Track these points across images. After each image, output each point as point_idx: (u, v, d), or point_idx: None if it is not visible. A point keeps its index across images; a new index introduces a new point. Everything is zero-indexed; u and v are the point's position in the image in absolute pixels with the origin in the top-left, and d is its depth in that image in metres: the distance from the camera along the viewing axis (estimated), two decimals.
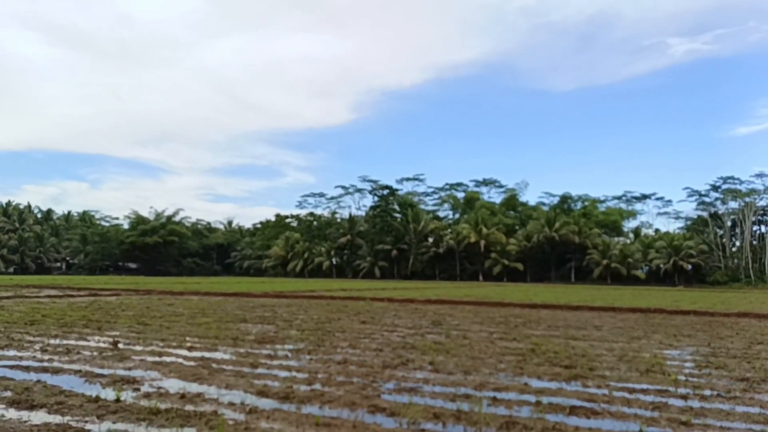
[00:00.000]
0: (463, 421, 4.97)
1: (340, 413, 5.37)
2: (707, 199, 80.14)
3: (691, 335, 12.55)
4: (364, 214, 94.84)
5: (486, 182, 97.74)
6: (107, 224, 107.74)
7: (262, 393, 6.12)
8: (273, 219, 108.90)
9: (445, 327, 13.58)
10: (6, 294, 25.71)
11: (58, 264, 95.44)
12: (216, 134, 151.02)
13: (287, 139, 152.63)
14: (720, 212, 78.91)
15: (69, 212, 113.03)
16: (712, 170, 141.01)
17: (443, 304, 22.77)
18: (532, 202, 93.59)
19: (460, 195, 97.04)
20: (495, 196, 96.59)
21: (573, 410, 5.36)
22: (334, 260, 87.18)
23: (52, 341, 10.16)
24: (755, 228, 76.12)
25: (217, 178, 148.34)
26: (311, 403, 5.73)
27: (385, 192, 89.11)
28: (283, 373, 7.32)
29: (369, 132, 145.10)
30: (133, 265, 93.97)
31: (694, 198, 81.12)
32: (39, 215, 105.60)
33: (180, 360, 8.31)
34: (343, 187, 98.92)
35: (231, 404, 5.65)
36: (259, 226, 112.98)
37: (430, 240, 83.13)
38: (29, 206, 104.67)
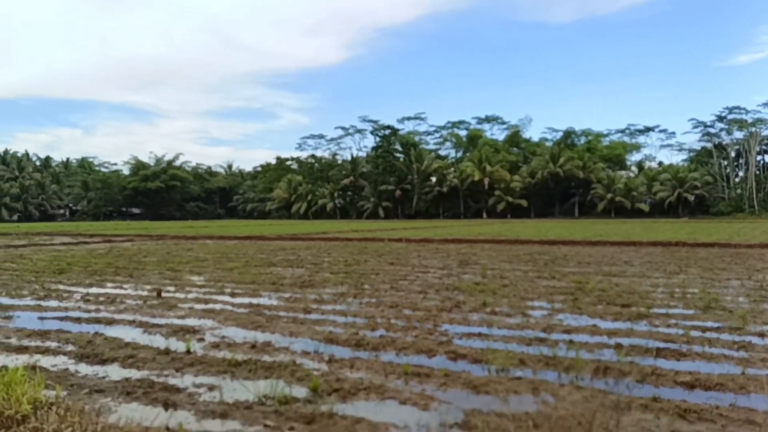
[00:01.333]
0: (552, 366, 4.85)
1: (420, 360, 5.26)
2: (712, 130, 79.29)
3: (725, 268, 12.48)
4: (365, 155, 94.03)
5: (488, 119, 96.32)
6: (106, 170, 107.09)
7: (331, 340, 6.00)
8: (273, 162, 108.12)
9: (477, 267, 13.50)
10: (20, 242, 25.65)
11: (62, 211, 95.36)
12: (207, 76, 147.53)
13: (280, 79, 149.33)
14: (724, 143, 78.17)
15: (68, 159, 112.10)
16: (714, 101, 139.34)
17: (461, 243, 22.72)
18: (535, 138, 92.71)
19: (463, 133, 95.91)
20: (498, 133, 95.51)
21: (659, 352, 5.24)
22: (337, 202, 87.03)
23: (91, 290, 10.04)
24: (759, 158, 75.60)
25: (212, 121, 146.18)
26: (386, 350, 5.61)
27: (387, 132, 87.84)
28: (341, 319, 7.21)
29: (364, 71, 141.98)
30: (136, 211, 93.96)
31: (699, 129, 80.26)
32: (38, 163, 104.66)
33: (229, 307, 8.20)
34: (343, 128, 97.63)
35: (305, 353, 5.53)
36: (259, 169, 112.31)
37: (434, 179, 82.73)
38: (27, 154, 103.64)
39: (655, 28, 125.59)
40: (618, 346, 5.50)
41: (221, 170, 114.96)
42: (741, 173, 76.86)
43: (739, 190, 73.77)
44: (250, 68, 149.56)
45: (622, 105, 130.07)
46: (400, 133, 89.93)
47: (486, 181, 74.64)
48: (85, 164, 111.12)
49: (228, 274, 12.45)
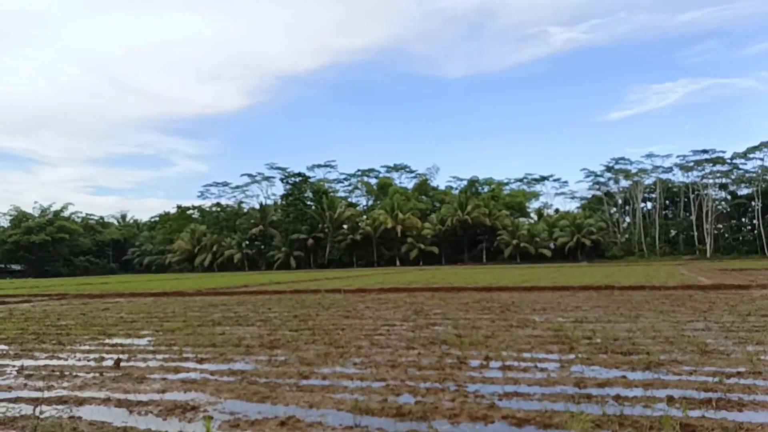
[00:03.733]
0: (635, 428, 4.56)
1: (483, 429, 4.77)
2: (601, 179, 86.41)
3: (674, 310, 13.08)
4: (272, 203, 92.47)
5: (397, 168, 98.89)
6: None
7: (363, 410, 5.34)
8: (171, 211, 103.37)
9: (436, 316, 13.20)
10: None
11: None
12: (95, 121, 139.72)
13: (175, 125, 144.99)
14: (612, 191, 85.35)
15: None
16: (597, 152, 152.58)
17: (399, 292, 22.41)
18: (442, 186, 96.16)
19: (373, 181, 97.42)
20: (406, 182, 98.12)
21: (719, 403, 5.13)
22: (245, 252, 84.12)
23: (24, 362, 8.53)
24: (643, 205, 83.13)
25: (99, 168, 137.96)
26: (435, 418, 5.06)
27: (298, 179, 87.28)
28: (351, 383, 6.53)
29: (266, 118, 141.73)
30: (17, 267, 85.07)
31: (590, 178, 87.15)
32: None
33: (209, 376, 7.22)
34: (249, 176, 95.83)
35: (348, 428, 4.85)
36: (156, 219, 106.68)
37: (346, 227, 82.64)
38: None
39: (538, 85, 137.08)
40: (670, 399, 5.33)
41: (114, 221, 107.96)
42: (628, 219, 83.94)
43: (627, 235, 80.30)
44: (142, 113, 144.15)
45: (518, 155, 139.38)
46: (311, 180, 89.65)
47: (399, 228, 75.71)
48: None
49: (174, 336, 11.19)
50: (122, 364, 8.14)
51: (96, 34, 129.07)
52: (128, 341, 10.83)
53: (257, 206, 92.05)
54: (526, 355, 8.02)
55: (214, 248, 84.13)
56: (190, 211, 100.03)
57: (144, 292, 26.97)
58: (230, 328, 12.29)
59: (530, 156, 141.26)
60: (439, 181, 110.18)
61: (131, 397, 6.21)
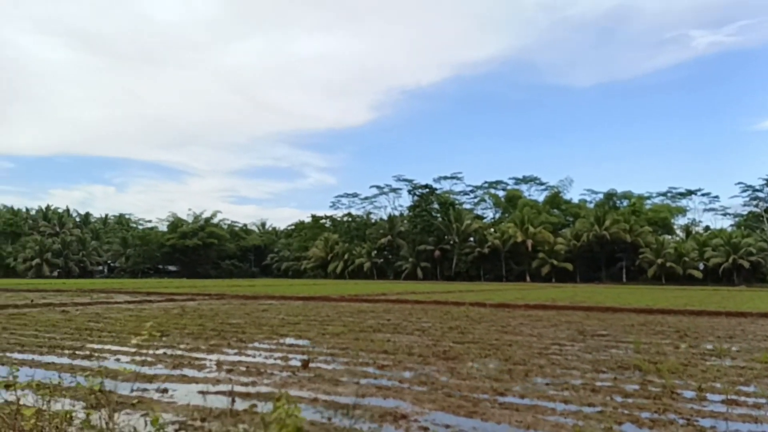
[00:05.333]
0: None
1: None
2: (761, 194, 77.24)
3: None
4: (398, 214, 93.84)
5: (526, 180, 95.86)
6: (141, 227, 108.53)
7: None
8: (305, 220, 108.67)
9: (603, 339, 12.29)
10: (83, 300, 25.11)
11: (100, 267, 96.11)
12: (237, 136, 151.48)
13: (307, 140, 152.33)
14: None
15: (106, 215, 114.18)
16: (751, 165, 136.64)
17: (546, 309, 21.40)
18: (575, 199, 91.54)
19: (500, 193, 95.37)
20: (536, 194, 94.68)
21: None
22: (374, 261, 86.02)
23: (220, 357, 9.12)
24: None
25: (240, 179, 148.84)
26: None
27: (425, 191, 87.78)
28: (558, 405, 6.11)
29: (389, 131, 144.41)
30: (173, 268, 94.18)
31: (747, 193, 78.27)
32: (77, 219, 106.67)
33: (398, 383, 7.17)
34: (377, 187, 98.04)
35: None
36: (292, 227, 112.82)
37: (473, 240, 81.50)
38: (68, 210, 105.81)
39: (678, 91, 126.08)
40: None
41: (255, 228, 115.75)
42: None
43: None
44: (278, 129, 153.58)
45: (658, 167, 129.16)
46: (437, 192, 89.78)
47: (529, 243, 73.17)
48: (122, 221, 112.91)
49: (341, 340, 11.44)
50: (309, 365, 8.38)
51: (238, 57, 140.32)
52: (300, 342, 11.26)
53: (385, 217, 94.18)
54: (745, 389, 7.06)
55: (346, 256, 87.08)
56: (323, 221, 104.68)
57: (292, 296, 28.36)
58: (391, 336, 12.35)
59: (672, 168, 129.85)
60: (572, 194, 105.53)
61: (336, 399, 6.29)
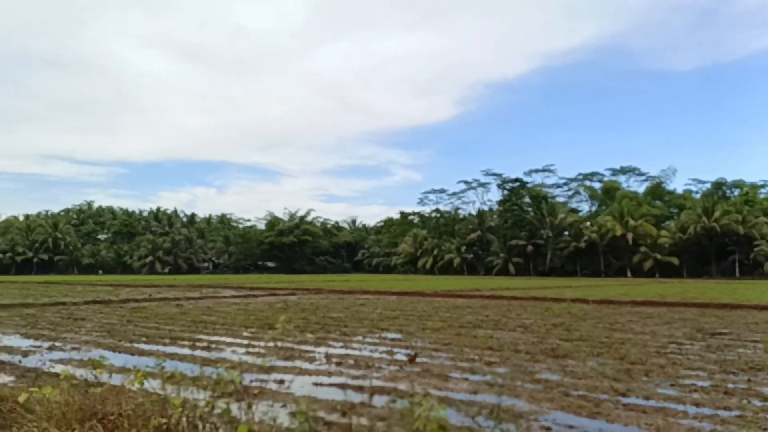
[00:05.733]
0: None
1: None
2: None
3: None
4: (488, 209, 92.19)
5: (624, 170, 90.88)
6: (241, 226, 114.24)
7: None
8: (394, 217, 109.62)
9: (726, 338, 11.36)
10: (193, 295, 26.79)
11: (206, 264, 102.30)
12: (326, 137, 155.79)
13: (393, 138, 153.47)
14: None
15: (210, 215, 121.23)
16: None
17: (655, 305, 20.16)
18: (679, 190, 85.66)
19: (596, 185, 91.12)
20: (635, 185, 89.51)
21: None
22: (464, 257, 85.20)
23: (329, 350, 9.36)
24: None
25: (330, 179, 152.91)
26: None
27: (515, 185, 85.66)
28: (688, 408, 5.70)
29: (475, 126, 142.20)
30: (271, 264, 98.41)
31: None
32: (184, 219, 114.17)
33: (509, 381, 7.00)
34: (465, 182, 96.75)
35: None
36: (381, 224, 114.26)
37: (568, 234, 78.49)
38: (176, 211, 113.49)
39: None
40: None
41: (346, 225, 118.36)
42: None
43: None
44: (365, 128, 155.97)
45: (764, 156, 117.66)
46: (528, 186, 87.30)
47: (629, 236, 69.39)
48: (224, 220, 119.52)
49: (443, 336, 11.37)
50: (416, 360, 8.40)
51: (326, 60, 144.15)
52: (400, 336, 11.32)
53: (474, 212, 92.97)
54: None
55: (435, 252, 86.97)
56: (411, 217, 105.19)
57: (386, 290, 28.71)
58: (493, 332, 12.13)
59: None
60: (675, 185, 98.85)
61: (450, 395, 6.24)
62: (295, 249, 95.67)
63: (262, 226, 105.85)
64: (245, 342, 10.53)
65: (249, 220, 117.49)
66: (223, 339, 11.00)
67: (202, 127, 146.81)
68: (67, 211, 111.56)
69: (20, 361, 8.44)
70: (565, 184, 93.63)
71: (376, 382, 6.92)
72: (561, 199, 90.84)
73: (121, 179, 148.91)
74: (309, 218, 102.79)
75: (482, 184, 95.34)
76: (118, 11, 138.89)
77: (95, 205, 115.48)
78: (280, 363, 8.26)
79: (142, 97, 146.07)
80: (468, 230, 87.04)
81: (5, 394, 4.59)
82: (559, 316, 15.91)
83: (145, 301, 21.87)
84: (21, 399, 3.58)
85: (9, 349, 9.41)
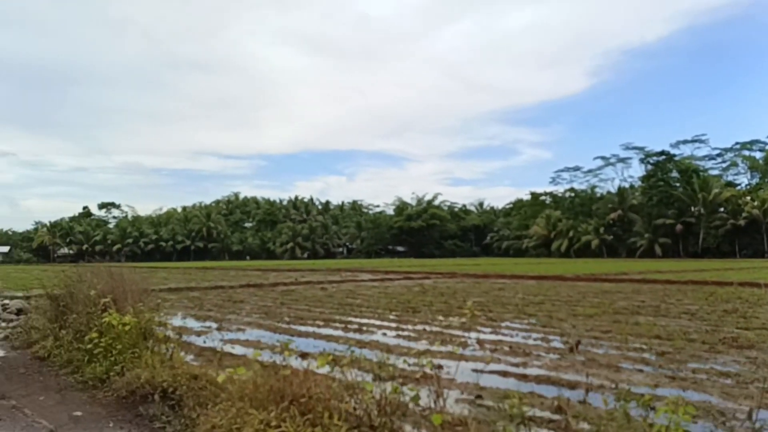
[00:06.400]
0: None
1: None
2: None
3: None
4: (629, 185, 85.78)
5: None
6: (371, 212, 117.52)
7: None
8: (522, 198, 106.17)
9: None
10: (334, 278, 27.95)
11: (340, 249, 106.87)
12: (450, 119, 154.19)
13: (519, 115, 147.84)
14: None
15: (342, 202, 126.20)
16: None
17: None
18: None
19: (757, 155, 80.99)
20: None
21: None
22: (603, 238, 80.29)
23: (480, 336, 9.17)
24: None
25: (455, 161, 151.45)
26: None
27: (660, 158, 78.78)
28: None
29: (611, 97, 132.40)
30: (401, 249, 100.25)
31: None
32: (320, 207, 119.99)
33: (691, 374, 6.30)
34: (602, 158, 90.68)
35: None
36: (510, 206, 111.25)
37: (724, 211, 70.76)
38: (312, 199, 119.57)
39: None
40: None
41: (473, 208, 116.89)
42: None
43: None
44: (489, 107, 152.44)
45: None
46: (675, 159, 79.82)
47: None
48: (356, 207, 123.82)
49: (596, 323, 10.64)
50: (578, 348, 7.91)
51: (448, 41, 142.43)
52: (551, 322, 10.78)
53: (613, 190, 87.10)
54: None
55: (570, 234, 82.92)
56: (543, 197, 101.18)
57: (522, 274, 27.84)
58: (654, 319, 11.14)
59: None
60: None
61: (631, 388, 5.74)
62: (424, 233, 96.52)
63: (391, 211, 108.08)
64: (393, 325, 10.66)
65: (378, 206, 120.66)
66: (371, 321, 11.24)
67: (332, 118, 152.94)
68: (217, 202, 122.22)
69: (195, 341, 9.23)
70: (719, 155, 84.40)
71: (538, 371, 6.59)
72: (714, 172, 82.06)
73: (262, 171, 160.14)
74: (436, 202, 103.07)
75: (622, 160, 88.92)
76: (254, 12, 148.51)
77: (241, 196, 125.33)
78: (433, 348, 8.20)
79: (277, 92, 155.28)
80: (607, 209, 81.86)
81: (196, 372, 4.94)
82: (728, 302, 14.29)
83: (292, 285, 23.20)
84: (220, 379, 3.80)
85: (185, 330, 10.35)
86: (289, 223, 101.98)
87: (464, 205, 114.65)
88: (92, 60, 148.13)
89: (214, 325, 11.07)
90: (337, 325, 10.81)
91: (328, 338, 9.17)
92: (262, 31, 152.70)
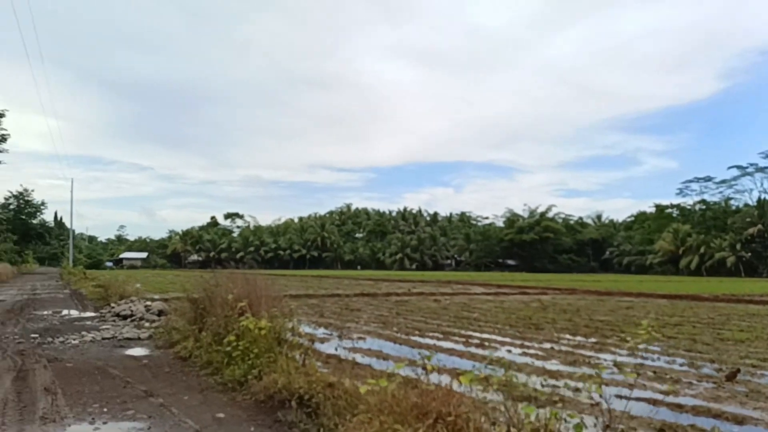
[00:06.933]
0: None
1: None
2: None
3: None
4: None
5: None
6: (480, 224, 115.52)
7: None
8: (647, 210, 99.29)
9: None
10: (445, 290, 27.62)
11: (449, 261, 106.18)
12: (563, 128, 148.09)
13: (641, 123, 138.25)
14: None
15: (450, 214, 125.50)
16: None
17: None
18: None
19: None
20: None
21: None
22: (740, 255, 72.75)
23: (615, 358, 8.47)
24: None
25: (568, 172, 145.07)
26: None
27: None
28: None
29: (748, 101, 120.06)
30: (511, 262, 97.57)
31: None
32: (428, 218, 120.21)
33: None
34: (738, 168, 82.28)
35: None
36: (632, 219, 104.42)
37: None
38: (420, 211, 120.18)
39: None
40: None
41: (590, 221, 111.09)
42: None
43: None
44: (606, 115, 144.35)
45: None
46: None
47: None
48: (464, 218, 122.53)
49: (755, 349, 9.44)
50: (737, 377, 7.02)
51: (561, 47, 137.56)
52: (695, 346, 9.72)
53: (752, 202, 78.73)
54: None
55: (701, 250, 76.01)
56: (669, 210, 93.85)
57: (651, 293, 25.78)
58: None
59: None
60: None
61: None
62: (536, 246, 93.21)
63: (500, 223, 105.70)
64: (516, 342, 10.18)
65: (487, 218, 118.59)
66: (493, 337, 10.83)
67: (438, 129, 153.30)
68: (330, 213, 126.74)
69: (320, 348, 9.38)
70: None
71: (694, 401, 5.89)
72: None
73: (371, 183, 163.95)
74: (550, 214, 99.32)
75: (761, 169, 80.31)
76: (367, 28, 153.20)
77: (353, 208, 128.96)
78: (566, 368, 7.67)
79: (387, 105, 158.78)
80: (745, 224, 74.17)
81: (331, 380, 4.92)
82: None
83: (404, 295, 23.21)
84: (362, 390, 3.70)
85: (309, 336, 10.59)
86: (398, 234, 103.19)
87: (580, 218, 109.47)
88: (219, 80, 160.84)
89: (335, 333, 11.23)
90: (457, 338, 10.52)
91: (450, 352, 8.92)
92: (375, 47, 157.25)
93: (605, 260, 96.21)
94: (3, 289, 27.40)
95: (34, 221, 59.35)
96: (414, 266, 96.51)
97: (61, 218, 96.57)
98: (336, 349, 9.12)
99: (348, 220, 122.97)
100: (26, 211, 57.40)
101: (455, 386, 4.00)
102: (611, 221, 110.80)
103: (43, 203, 60.49)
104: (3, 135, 19.67)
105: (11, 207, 55.31)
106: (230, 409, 5.28)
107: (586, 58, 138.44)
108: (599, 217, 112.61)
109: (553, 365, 7.89)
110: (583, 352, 9.14)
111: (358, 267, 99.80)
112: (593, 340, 10.58)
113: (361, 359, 8.18)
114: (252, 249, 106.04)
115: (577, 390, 6.36)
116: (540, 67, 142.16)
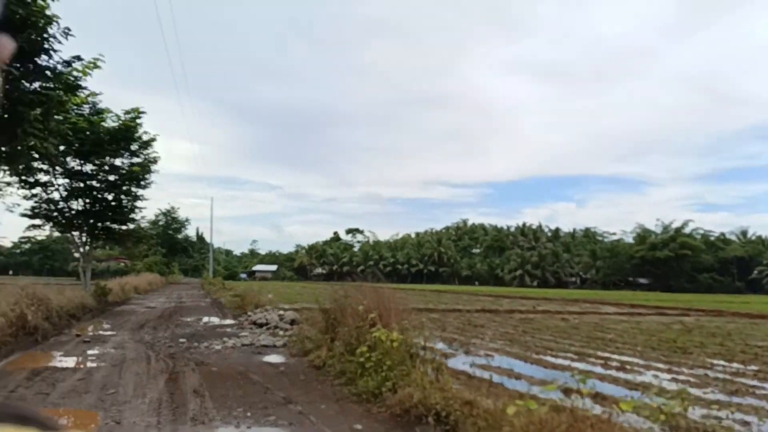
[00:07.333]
0: None
1: None
2: None
3: None
4: None
5: None
6: (606, 239, 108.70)
7: None
8: None
9: None
10: (573, 309, 26.18)
11: (573, 279, 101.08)
12: (698, 138, 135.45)
13: None
14: None
15: (574, 229, 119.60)
16: None
17: None
18: None
19: None
20: None
21: None
22: None
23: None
24: None
25: (705, 185, 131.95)
26: None
27: None
28: None
29: None
30: (643, 281, 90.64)
31: None
32: (549, 234, 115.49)
33: None
34: None
35: None
36: None
37: None
38: (540, 226, 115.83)
39: None
40: None
41: (734, 238, 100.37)
42: None
43: None
44: (748, 123, 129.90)
45: None
46: None
47: None
48: (589, 234, 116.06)
49: None
50: None
51: (695, 52, 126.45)
52: None
53: None
54: None
55: None
56: None
57: None
58: None
59: None
60: None
61: None
62: (671, 264, 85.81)
63: (630, 239, 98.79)
64: (662, 366, 9.30)
65: (614, 234, 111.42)
66: (633, 360, 10.00)
67: (559, 143, 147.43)
68: (447, 228, 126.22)
69: (447, 363, 9.21)
70: None
71: None
72: None
73: (488, 198, 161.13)
74: (686, 230, 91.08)
75: None
76: (484, 44, 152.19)
77: (469, 223, 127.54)
78: (725, 398, 6.85)
79: (503, 120, 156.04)
80: None
81: (468, 397, 4.74)
82: None
83: (529, 313, 22.33)
84: (510, 411, 3.50)
85: (439, 351, 10.47)
86: (518, 250, 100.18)
87: (722, 234, 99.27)
88: (341, 104, 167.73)
89: (461, 349, 11.00)
90: (594, 360, 9.84)
91: (588, 375, 8.31)
92: (491, 63, 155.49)
93: (753, 280, 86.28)
94: (153, 297, 30.28)
95: (179, 236, 65.28)
96: (535, 283, 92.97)
97: (201, 234, 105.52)
98: (469, 366, 8.91)
99: (464, 235, 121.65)
100: (173, 227, 63.30)
101: (597, 410, 3.64)
102: (759, 237, 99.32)
103: (187, 220, 66.48)
104: (154, 157, 21.75)
105: (160, 223, 61.29)
106: (366, 420, 5.28)
107: (721, 63, 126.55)
108: (744, 233, 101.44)
109: (710, 394, 7.08)
110: (744, 380, 8.13)
111: (476, 283, 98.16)
112: (754, 367, 9.41)
113: (487, 376, 7.89)
114: (371, 263, 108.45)
115: (745, 423, 5.62)
116: (668, 75, 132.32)
